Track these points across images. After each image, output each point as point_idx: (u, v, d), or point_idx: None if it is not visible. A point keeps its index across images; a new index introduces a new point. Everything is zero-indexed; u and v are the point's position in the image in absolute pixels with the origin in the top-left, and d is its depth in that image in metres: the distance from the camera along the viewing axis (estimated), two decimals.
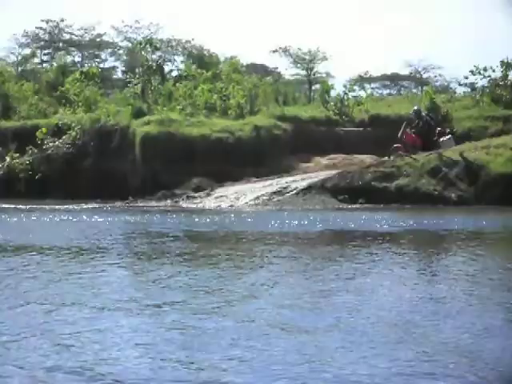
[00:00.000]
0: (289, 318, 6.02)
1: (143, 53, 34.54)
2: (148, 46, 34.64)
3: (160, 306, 6.49)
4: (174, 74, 39.84)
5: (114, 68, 49.59)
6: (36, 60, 48.12)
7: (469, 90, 33.23)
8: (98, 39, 48.99)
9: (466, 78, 32.18)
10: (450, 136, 23.96)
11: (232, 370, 4.65)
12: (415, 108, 25.39)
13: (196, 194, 23.06)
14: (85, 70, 36.94)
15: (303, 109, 31.42)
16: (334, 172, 22.94)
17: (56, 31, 48.20)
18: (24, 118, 31.45)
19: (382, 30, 76.60)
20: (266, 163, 25.19)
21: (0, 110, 32.37)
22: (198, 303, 6.63)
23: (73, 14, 78.76)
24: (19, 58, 46.60)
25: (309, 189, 21.79)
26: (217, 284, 7.69)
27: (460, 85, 34.62)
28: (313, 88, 42.97)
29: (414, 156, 22.63)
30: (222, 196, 22.44)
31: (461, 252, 10.46)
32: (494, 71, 30.74)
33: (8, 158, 27.69)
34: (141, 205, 22.17)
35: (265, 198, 21.62)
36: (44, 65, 47.37)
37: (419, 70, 50.43)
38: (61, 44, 48.52)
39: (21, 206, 20.89)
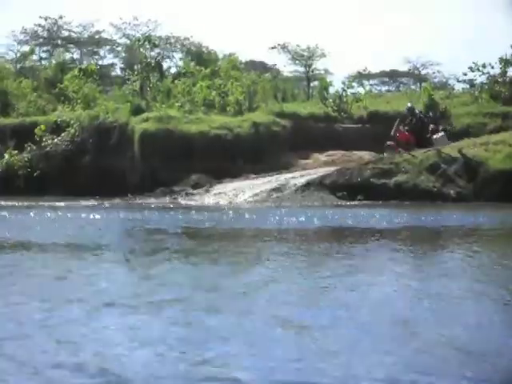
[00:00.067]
0: (287, 314, 6.05)
1: (142, 50, 34.54)
2: (147, 43, 34.60)
3: (160, 303, 6.51)
4: (173, 70, 39.80)
5: (112, 65, 49.55)
6: (35, 57, 47.98)
7: (467, 86, 33.21)
8: (97, 36, 48.89)
9: (465, 74, 32.22)
10: (443, 133, 23.97)
11: (231, 366, 4.68)
12: (409, 105, 25.47)
13: (195, 191, 23.06)
14: (83, 67, 36.81)
15: (302, 105, 31.38)
16: (332, 169, 22.96)
17: (55, 28, 48.09)
18: (23, 115, 31.43)
19: (380, 28, 76.48)
20: (264, 160, 25.19)
21: None
22: (197, 300, 6.66)
23: (71, 11, 78.77)
24: (18, 54, 46.48)
25: (307, 185, 21.81)
26: (216, 280, 7.71)
27: (459, 81, 34.56)
28: (311, 85, 42.96)
29: (412, 153, 22.64)
30: (220, 193, 22.45)
31: (458, 248, 10.48)
32: (492, 68, 30.80)
33: (7, 155, 27.66)
34: (139, 202, 22.18)
35: (263, 194, 21.64)
36: (43, 62, 47.28)
37: (418, 66, 50.49)
38: (59, 41, 48.41)
39: (19, 203, 20.89)
